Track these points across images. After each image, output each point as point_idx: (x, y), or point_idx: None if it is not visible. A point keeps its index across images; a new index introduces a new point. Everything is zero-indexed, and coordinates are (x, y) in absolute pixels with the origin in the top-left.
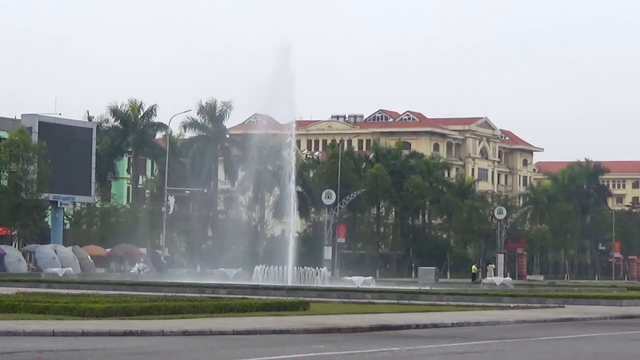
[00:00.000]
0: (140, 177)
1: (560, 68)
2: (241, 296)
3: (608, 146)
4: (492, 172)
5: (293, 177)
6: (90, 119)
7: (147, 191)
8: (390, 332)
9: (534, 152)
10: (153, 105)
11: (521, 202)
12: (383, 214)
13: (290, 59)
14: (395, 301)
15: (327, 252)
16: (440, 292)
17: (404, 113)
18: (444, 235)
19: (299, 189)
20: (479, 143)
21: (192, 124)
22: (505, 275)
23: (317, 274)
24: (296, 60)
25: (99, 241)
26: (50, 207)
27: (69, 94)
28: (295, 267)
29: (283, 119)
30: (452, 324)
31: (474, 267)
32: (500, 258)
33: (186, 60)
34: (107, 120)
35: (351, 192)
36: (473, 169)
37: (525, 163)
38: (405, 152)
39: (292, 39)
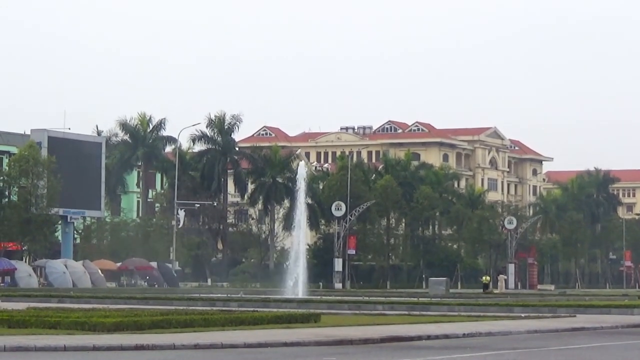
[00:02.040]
0: (150, 190)
1: (569, 77)
2: (252, 309)
3: (618, 155)
4: (502, 182)
5: (303, 188)
6: (99, 133)
7: (157, 205)
8: (402, 343)
9: (543, 162)
10: (162, 119)
11: (531, 211)
12: (393, 225)
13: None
14: (406, 312)
15: (338, 264)
16: (451, 302)
17: (413, 124)
18: (454, 246)
19: (309, 201)
20: (489, 153)
21: (201, 137)
22: (516, 286)
23: None
24: (305, 72)
25: (109, 255)
26: (60, 222)
27: (78, 109)
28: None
29: (292, 132)
30: (464, 334)
31: (485, 277)
32: (511, 268)
33: (195, 73)
34: (116, 135)
35: (361, 204)
36: (483, 179)
37: (534, 173)
38: (415, 163)
39: (301, 52)
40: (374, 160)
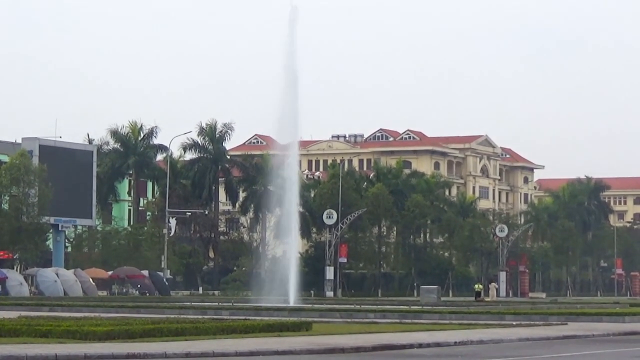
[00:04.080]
0: (141, 199)
1: (560, 85)
2: (243, 317)
3: (609, 163)
4: (493, 190)
5: (296, 197)
6: (90, 141)
7: (148, 213)
8: (394, 351)
9: (534, 170)
10: (153, 127)
11: (522, 219)
12: (384, 233)
13: (297, 79)
14: (397, 320)
15: (329, 272)
16: (443, 310)
17: (404, 132)
18: (446, 254)
19: (300, 209)
20: (480, 161)
21: (193, 146)
22: (507, 294)
23: None
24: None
25: (100, 264)
26: (51, 231)
27: (69, 117)
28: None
29: (284, 140)
30: (455, 342)
31: (477, 285)
32: (502, 276)
33: (186, 81)
34: (107, 143)
35: (352, 212)
36: (474, 187)
37: (526, 181)
38: (406, 171)
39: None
40: (365, 169)
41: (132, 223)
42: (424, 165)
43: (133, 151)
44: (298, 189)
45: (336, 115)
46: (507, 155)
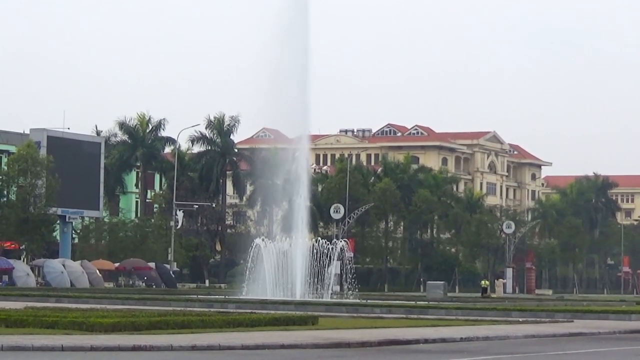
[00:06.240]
0: (149, 191)
1: (569, 82)
2: (250, 311)
3: (617, 160)
4: (501, 187)
5: (306, 191)
6: (98, 133)
7: (156, 205)
8: (399, 346)
9: (542, 166)
10: (161, 120)
11: (530, 216)
12: (391, 228)
13: (308, 73)
14: (403, 316)
15: (336, 267)
16: (449, 306)
17: (413, 127)
18: (453, 250)
19: (308, 204)
20: (488, 157)
21: (200, 138)
22: (514, 290)
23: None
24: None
25: (107, 256)
26: (58, 222)
27: (77, 109)
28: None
29: (293, 134)
30: (461, 338)
31: (484, 281)
32: (509, 272)
33: (194, 74)
34: (115, 135)
35: (359, 207)
36: (481, 183)
37: (533, 177)
38: (414, 166)
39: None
40: (373, 163)
41: (139, 215)
42: (431, 161)
43: (141, 143)
44: (308, 184)
45: (344, 110)
46: (515, 152)
